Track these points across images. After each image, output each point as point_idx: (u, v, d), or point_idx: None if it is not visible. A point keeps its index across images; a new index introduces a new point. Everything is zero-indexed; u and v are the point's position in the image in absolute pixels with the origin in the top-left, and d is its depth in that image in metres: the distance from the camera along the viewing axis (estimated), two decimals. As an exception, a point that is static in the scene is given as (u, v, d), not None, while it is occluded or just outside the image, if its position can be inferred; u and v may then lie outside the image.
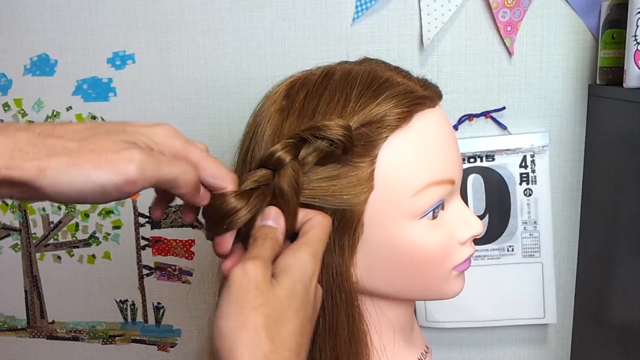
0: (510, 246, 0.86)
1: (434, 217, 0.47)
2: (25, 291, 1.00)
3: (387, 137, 0.45)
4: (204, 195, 0.42)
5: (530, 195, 0.85)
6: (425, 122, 0.47)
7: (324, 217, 0.44)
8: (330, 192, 0.44)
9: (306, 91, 0.48)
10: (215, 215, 0.42)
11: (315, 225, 0.44)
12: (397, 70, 0.51)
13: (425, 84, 0.50)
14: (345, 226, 0.45)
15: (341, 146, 0.43)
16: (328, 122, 0.43)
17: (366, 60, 0.53)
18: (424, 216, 0.46)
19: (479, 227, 0.50)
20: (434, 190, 0.46)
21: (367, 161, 0.45)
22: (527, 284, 0.87)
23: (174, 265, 0.96)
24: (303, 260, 0.41)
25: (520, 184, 0.84)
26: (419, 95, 0.47)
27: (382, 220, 0.46)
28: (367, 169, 0.45)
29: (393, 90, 0.46)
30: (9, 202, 0.97)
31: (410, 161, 0.45)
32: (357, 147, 0.44)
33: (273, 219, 0.43)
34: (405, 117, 0.45)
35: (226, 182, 0.42)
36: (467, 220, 0.50)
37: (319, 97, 0.47)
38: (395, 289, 0.50)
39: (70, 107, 0.92)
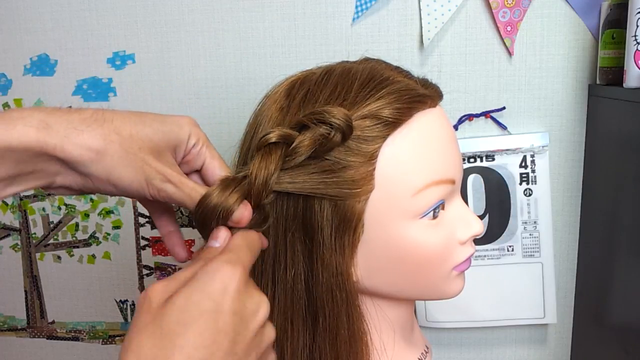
0: (510, 246, 0.86)
1: (435, 217, 0.47)
2: (25, 291, 1.00)
3: (387, 135, 0.45)
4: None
5: (530, 195, 0.85)
6: (426, 121, 0.47)
7: (249, 231, 0.42)
8: (328, 183, 0.44)
9: (306, 89, 0.48)
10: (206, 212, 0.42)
11: (237, 235, 0.41)
12: (398, 69, 0.51)
13: (425, 83, 0.50)
14: (346, 226, 0.45)
15: (340, 130, 0.43)
16: (328, 107, 0.43)
17: (367, 60, 0.53)
18: (424, 216, 0.46)
19: (479, 227, 0.50)
20: (434, 190, 0.46)
21: (367, 160, 0.45)
22: (527, 284, 0.87)
23: (174, 265, 0.96)
24: (212, 268, 0.36)
25: (520, 184, 0.84)
26: (420, 93, 0.47)
27: (382, 220, 0.46)
28: (368, 168, 0.45)
29: (393, 87, 0.46)
30: (9, 202, 0.97)
31: (410, 161, 0.45)
32: (357, 143, 0.44)
33: (221, 241, 0.41)
34: (404, 113, 0.45)
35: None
36: (467, 220, 0.50)
37: (319, 93, 0.47)
38: (395, 289, 0.50)
39: (70, 107, 0.92)
